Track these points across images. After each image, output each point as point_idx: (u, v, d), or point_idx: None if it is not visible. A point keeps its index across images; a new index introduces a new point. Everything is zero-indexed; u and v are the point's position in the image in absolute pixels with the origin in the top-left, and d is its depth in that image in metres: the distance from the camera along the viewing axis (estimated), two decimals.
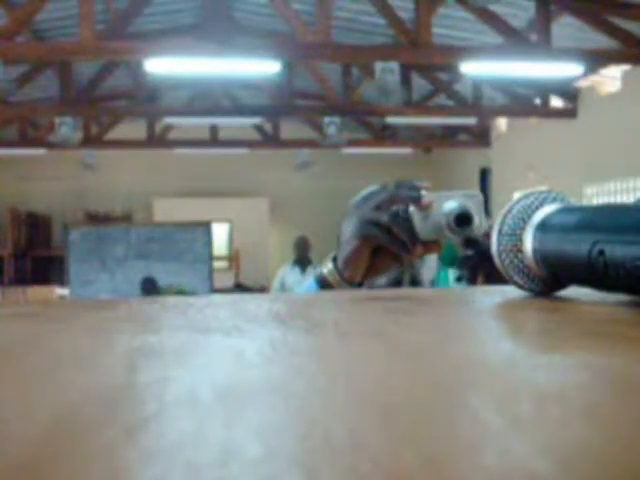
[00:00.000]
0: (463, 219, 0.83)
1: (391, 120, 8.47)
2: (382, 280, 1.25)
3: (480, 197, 0.86)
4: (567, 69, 5.99)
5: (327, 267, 1.01)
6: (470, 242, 0.89)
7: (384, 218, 0.90)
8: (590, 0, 5.98)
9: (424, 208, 0.84)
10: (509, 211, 0.54)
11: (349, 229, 1.09)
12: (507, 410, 0.20)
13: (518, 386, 0.23)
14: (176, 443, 0.17)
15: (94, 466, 0.15)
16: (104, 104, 9.35)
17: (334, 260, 1.02)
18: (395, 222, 0.89)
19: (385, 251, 0.94)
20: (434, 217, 0.84)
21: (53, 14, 6.98)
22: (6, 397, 0.23)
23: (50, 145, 8.81)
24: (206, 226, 5.67)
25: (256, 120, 8.92)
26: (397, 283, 1.26)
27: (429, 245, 0.87)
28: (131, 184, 12.01)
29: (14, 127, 9.63)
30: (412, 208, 0.86)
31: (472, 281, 3.07)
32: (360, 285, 1.02)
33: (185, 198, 11.73)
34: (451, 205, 0.83)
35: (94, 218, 11.44)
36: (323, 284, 1.03)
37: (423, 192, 0.86)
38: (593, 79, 8.05)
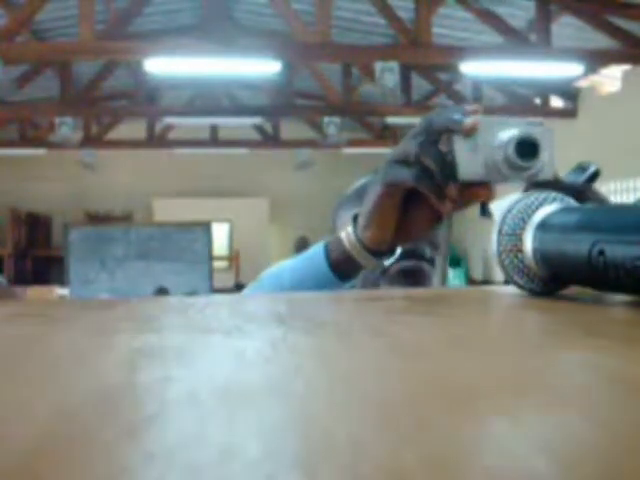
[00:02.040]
0: (527, 149, 0.60)
1: (391, 120, 8.47)
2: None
3: (547, 127, 0.62)
4: (567, 69, 6.00)
5: (346, 229, 0.74)
6: (543, 186, 0.60)
7: (412, 150, 0.64)
8: (590, 0, 5.97)
9: (467, 132, 0.61)
10: (509, 211, 0.54)
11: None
12: (507, 410, 0.20)
13: (518, 386, 0.23)
14: (176, 443, 0.17)
15: (94, 466, 0.15)
16: (104, 104, 9.36)
17: (355, 220, 0.74)
18: (426, 152, 0.63)
19: (421, 202, 0.68)
20: (484, 149, 0.61)
21: (53, 14, 6.98)
22: (6, 397, 0.23)
23: (50, 145, 8.82)
24: (206, 226, 5.67)
25: (256, 120, 8.92)
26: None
27: (474, 189, 0.62)
28: (131, 184, 12.01)
29: (14, 127, 9.63)
30: (455, 137, 0.62)
31: None
32: (388, 254, 0.73)
33: (185, 198, 11.73)
34: (510, 132, 0.60)
35: (94, 218, 11.45)
36: (335, 254, 0.75)
37: (468, 116, 0.62)
38: (593, 79, 8.05)
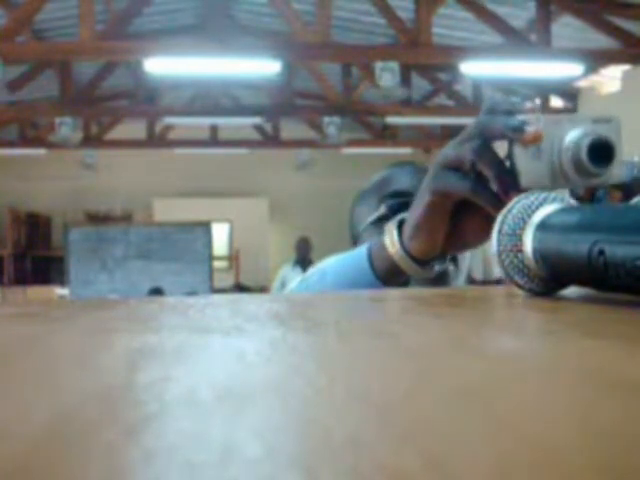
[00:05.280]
0: (599, 152, 0.53)
1: (391, 120, 8.47)
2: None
3: (618, 123, 0.56)
4: (567, 69, 6.00)
5: (390, 234, 0.68)
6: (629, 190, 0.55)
7: (467, 155, 0.58)
8: (590, 0, 5.98)
9: (531, 141, 0.55)
10: (509, 211, 0.54)
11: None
12: (507, 410, 0.20)
13: (518, 386, 0.23)
14: (176, 443, 0.17)
15: (93, 466, 0.15)
16: (104, 104, 9.36)
17: (400, 226, 0.68)
18: (482, 159, 0.57)
19: (474, 209, 0.62)
20: (549, 154, 0.55)
21: (53, 14, 6.98)
22: (6, 397, 0.23)
23: (50, 145, 8.82)
24: (206, 226, 5.67)
25: (256, 120, 8.91)
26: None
27: None
28: (131, 184, 12.01)
29: (14, 127, 9.63)
30: (515, 144, 0.56)
31: None
32: (437, 262, 0.69)
33: (185, 198, 11.73)
34: (578, 133, 0.54)
35: (94, 218, 11.44)
36: (379, 261, 0.70)
37: (528, 117, 0.56)
38: (593, 79, 8.05)
